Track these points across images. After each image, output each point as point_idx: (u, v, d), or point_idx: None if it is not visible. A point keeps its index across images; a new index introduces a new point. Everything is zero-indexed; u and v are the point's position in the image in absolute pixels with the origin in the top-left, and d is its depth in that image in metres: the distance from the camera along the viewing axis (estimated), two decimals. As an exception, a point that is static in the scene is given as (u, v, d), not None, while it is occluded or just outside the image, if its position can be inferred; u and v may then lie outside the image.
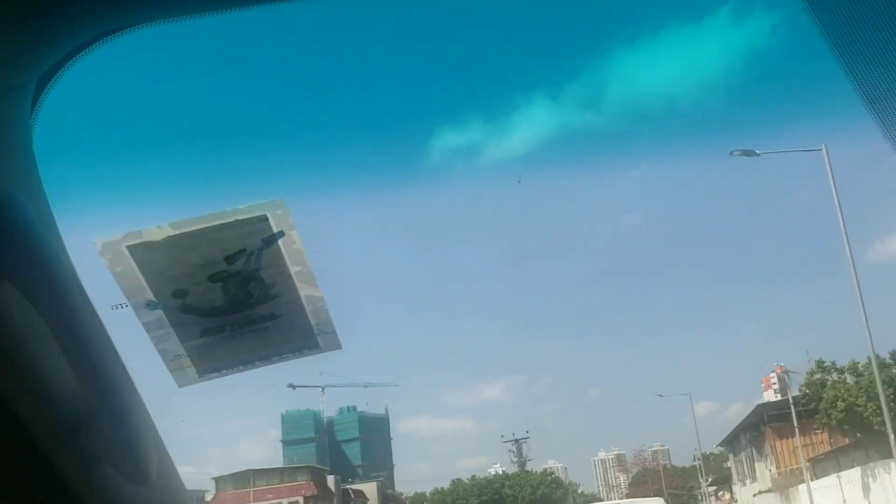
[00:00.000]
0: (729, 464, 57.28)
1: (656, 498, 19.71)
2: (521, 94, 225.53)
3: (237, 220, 1.53)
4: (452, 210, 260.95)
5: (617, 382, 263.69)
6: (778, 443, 43.87)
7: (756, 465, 49.36)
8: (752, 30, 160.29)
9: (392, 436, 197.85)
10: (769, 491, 43.64)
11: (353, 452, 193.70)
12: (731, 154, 27.06)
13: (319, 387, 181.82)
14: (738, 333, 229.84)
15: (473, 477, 47.03)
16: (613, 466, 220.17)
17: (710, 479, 72.27)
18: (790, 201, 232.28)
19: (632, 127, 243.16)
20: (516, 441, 63.69)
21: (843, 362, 28.12)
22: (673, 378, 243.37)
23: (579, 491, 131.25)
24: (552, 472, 46.96)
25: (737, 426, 53.38)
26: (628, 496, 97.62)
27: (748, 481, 52.20)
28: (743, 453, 52.71)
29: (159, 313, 1.56)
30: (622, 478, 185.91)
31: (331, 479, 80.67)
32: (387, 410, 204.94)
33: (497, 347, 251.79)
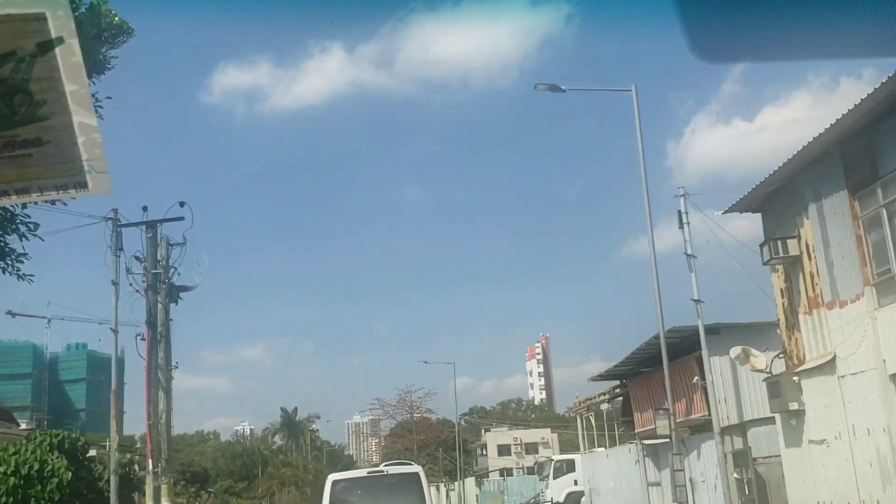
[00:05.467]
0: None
1: (412, 465, 15.62)
2: (316, 41, 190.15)
3: (8, 14, 1.17)
4: (227, 157, 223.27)
5: (380, 352, 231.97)
6: None
7: None
8: (549, 15, 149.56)
9: (127, 381, 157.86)
10: None
11: (78, 394, 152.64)
12: (535, 88, 21.45)
13: (45, 318, 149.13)
14: (499, 313, 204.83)
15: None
16: (367, 431, 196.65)
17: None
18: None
19: (422, 95, 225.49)
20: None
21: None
22: (435, 351, 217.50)
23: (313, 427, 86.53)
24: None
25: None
26: (385, 458, 69.36)
27: None
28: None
29: None
30: (374, 442, 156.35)
31: None
32: (123, 352, 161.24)
33: (261, 309, 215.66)
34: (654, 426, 23.81)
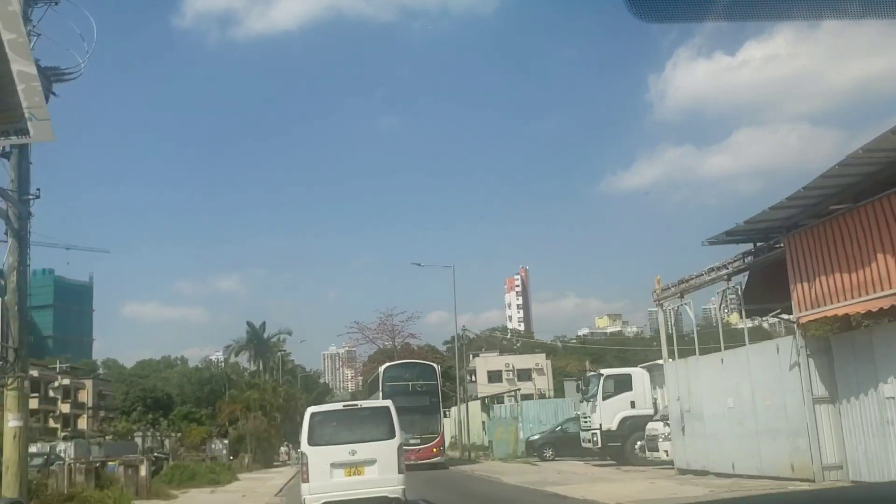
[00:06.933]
0: None
1: (384, 401, 18.39)
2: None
3: None
4: (203, 83, 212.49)
5: (356, 285, 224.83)
6: None
7: None
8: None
9: (96, 307, 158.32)
10: None
11: (45, 321, 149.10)
12: None
13: (4, 241, 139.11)
14: (476, 249, 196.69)
15: None
16: (343, 363, 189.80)
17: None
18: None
19: (401, 21, 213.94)
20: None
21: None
22: (412, 283, 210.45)
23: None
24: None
25: None
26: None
27: None
28: None
29: None
30: (349, 373, 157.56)
31: None
32: (91, 278, 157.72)
33: (237, 241, 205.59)
34: (840, 302, 13.81)
